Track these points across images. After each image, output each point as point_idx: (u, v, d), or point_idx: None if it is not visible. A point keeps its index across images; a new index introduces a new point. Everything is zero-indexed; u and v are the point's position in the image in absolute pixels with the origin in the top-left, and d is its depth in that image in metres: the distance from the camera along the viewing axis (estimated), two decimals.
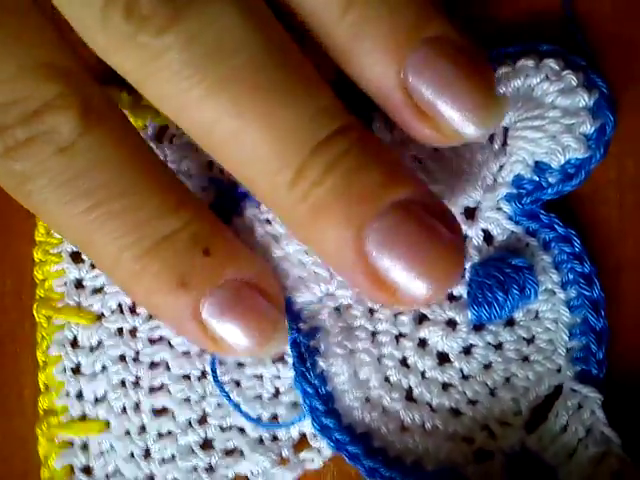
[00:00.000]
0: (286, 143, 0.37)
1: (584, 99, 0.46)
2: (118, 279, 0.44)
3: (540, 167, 0.48)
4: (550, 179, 0.48)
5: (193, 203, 0.44)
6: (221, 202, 0.49)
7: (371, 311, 0.50)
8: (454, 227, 0.40)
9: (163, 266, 0.41)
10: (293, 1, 0.40)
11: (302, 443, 0.50)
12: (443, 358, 0.49)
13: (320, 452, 0.50)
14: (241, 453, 0.50)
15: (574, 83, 0.47)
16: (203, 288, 0.41)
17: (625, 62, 0.51)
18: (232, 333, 0.42)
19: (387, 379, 0.49)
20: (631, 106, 0.51)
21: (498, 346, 0.49)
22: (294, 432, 0.50)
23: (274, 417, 0.50)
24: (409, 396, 0.49)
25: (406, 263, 0.38)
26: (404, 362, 0.50)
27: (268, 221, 0.49)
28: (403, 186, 0.38)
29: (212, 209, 0.48)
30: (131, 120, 0.51)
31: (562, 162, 0.47)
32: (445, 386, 0.49)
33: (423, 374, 0.49)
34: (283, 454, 0.50)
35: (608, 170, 0.51)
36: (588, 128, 0.46)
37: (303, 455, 0.50)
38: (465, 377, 0.49)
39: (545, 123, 0.47)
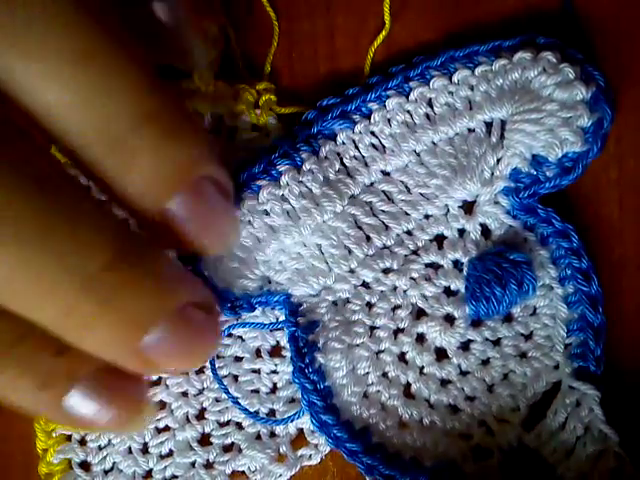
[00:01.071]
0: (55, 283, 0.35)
1: (582, 92, 0.46)
2: None
3: (537, 161, 0.48)
4: (548, 173, 0.48)
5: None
6: None
7: (369, 305, 0.50)
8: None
9: (21, 370, 0.39)
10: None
11: (300, 439, 0.50)
12: (441, 354, 0.49)
13: (318, 448, 0.50)
14: (239, 449, 0.50)
15: (571, 76, 0.46)
16: (62, 388, 0.40)
17: (626, 62, 0.51)
18: (97, 418, 0.40)
19: (385, 375, 0.49)
20: (632, 106, 0.51)
21: (496, 342, 0.49)
22: (292, 428, 0.50)
23: (272, 412, 0.50)
24: (407, 392, 0.49)
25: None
26: (402, 357, 0.49)
27: (266, 212, 0.49)
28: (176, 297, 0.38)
29: None
30: None
31: (559, 155, 0.47)
32: (443, 382, 0.49)
33: (421, 370, 0.49)
34: (281, 450, 0.50)
35: (609, 170, 0.51)
36: (585, 121, 0.46)
37: (301, 452, 0.50)
38: (463, 373, 0.49)
39: (542, 116, 0.46)
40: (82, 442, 0.51)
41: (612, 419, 0.47)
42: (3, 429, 0.53)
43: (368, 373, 0.49)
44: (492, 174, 0.49)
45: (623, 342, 0.50)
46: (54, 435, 0.51)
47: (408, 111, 0.50)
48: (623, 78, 0.51)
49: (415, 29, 0.53)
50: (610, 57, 0.51)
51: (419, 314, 0.50)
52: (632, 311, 0.50)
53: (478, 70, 0.49)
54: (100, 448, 0.51)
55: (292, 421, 0.49)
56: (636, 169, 0.51)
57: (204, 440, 0.50)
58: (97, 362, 0.39)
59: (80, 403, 0.40)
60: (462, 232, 0.50)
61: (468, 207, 0.50)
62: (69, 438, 0.51)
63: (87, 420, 0.40)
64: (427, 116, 0.50)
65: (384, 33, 0.52)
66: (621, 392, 0.49)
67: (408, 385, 0.49)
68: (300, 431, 0.50)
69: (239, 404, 0.49)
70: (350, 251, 0.49)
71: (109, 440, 0.50)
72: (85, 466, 0.51)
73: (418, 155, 0.50)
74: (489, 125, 0.49)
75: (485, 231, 0.50)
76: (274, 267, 0.49)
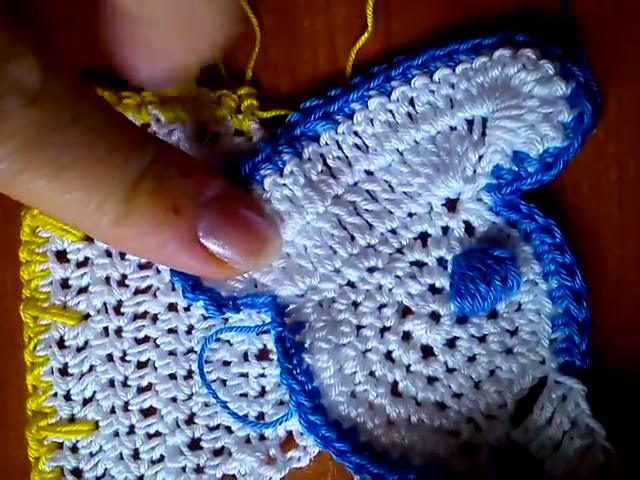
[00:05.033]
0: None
1: (561, 88, 0.46)
2: (104, 230, 0.41)
3: (519, 157, 0.48)
4: (529, 169, 0.48)
5: (154, 137, 0.45)
6: None
7: (355, 304, 0.50)
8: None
9: (151, 199, 0.41)
10: None
11: (289, 441, 0.50)
12: (428, 352, 0.49)
13: (307, 450, 0.50)
14: (229, 453, 0.50)
15: (551, 72, 0.46)
16: (194, 210, 0.42)
17: (624, 64, 0.51)
18: (230, 247, 0.43)
19: (372, 374, 0.49)
20: (631, 106, 0.51)
21: (482, 339, 0.49)
22: (281, 431, 0.50)
23: (261, 415, 0.50)
24: (394, 390, 0.49)
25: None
26: (389, 356, 0.50)
27: None
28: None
29: None
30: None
31: (540, 151, 0.47)
32: (430, 380, 0.49)
33: (408, 368, 0.49)
34: (270, 453, 0.50)
35: (609, 171, 0.51)
36: (566, 117, 0.46)
37: (290, 454, 0.50)
38: (450, 370, 0.49)
39: (523, 112, 0.46)
40: (74, 449, 0.51)
41: (600, 413, 0.47)
42: (2, 431, 0.53)
43: (355, 372, 0.49)
44: (474, 171, 0.49)
45: (621, 340, 0.50)
46: (46, 443, 0.51)
47: (390, 110, 0.50)
48: (622, 79, 0.51)
49: (402, 29, 0.52)
50: (609, 59, 0.51)
51: (405, 312, 0.50)
52: (631, 310, 0.50)
53: (459, 68, 0.49)
54: (92, 455, 0.51)
55: (281, 423, 0.49)
56: (635, 170, 0.51)
57: (194, 445, 0.50)
58: (218, 189, 0.44)
59: (213, 226, 0.43)
60: (446, 230, 0.50)
61: (451, 205, 0.50)
62: (61, 446, 0.51)
63: (221, 250, 0.43)
64: (409, 115, 0.50)
65: (366, 35, 0.52)
66: (614, 386, 0.49)
67: (395, 383, 0.49)
68: (289, 433, 0.50)
69: (228, 408, 0.49)
70: (335, 251, 0.49)
71: (100, 447, 0.51)
72: (77, 473, 0.51)
73: (401, 154, 0.50)
74: (470, 123, 0.49)
75: (469, 228, 0.50)
76: (261, 268, 0.49)
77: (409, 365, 0.49)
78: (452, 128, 0.50)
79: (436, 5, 0.52)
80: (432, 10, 0.52)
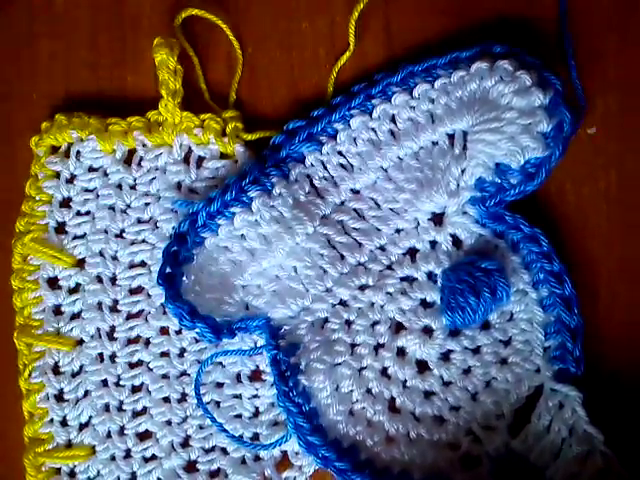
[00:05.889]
0: None
1: (539, 98, 0.47)
2: None
3: (501, 169, 0.48)
4: (512, 180, 0.48)
5: None
6: (192, 222, 0.50)
7: (348, 323, 0.50)
8: None
9: None
10: None
11: (284, 461, 0.50)
12: (423, 366, 0.49)
13: (302, 470, 0.50)
14: (225, 475, 0.50)
15: (528, 83, 0.47)
16: None
17: (610, 76, 0.52)
18: None
19: (369, 391, 0.49)
20: (618, 117, 0.52)
21: (476, 350, 0.49)
22: (276, 451, 0.50)
23: (255, 436, 0.50)
24: (392, 407, 0.49)
25: None
26: (385, 372, 0.50)
27: (243, 237, 0.49)
28: None
29: (181, 231, 0.49)
30: (100, 145, 0.53)
31: (522, 162, 0.47)
32: (427, 394, 0.49)
33: (404, 384, 0.49)
34: (266, 474, 0.50)
35: (598, 182, 0.51)
36: (545, 127, 0.47)
37: (286, 474, 0.50)
38: (446, 384, 0.49)
39: (502, 125, 0.47)
40: (72, 474, 0.51)
41: (598, 417, 0.47)
42: (4, 435, 0.53)
43: (352, 391, 0.49)
44: (458, 185, 0.49)
45: (614, 345, 0.50)
46: (43, 469, 0.51)
47: (372, 129, 0.51)
48: (607, 91, 0.52)
49: (382, 47, 0.54)
50: (596, 72, 0.52)
51: (398, 328, 0.50)
52: (623, 317, 0.50)
53: (437, 83, 0.50)
54: None
55: (280, 445, 0.49)
56: (619, 180, 0.51)
57: (190, 467, 0.50)
58: None
59: None
60: (434, 244, 0.50)
61: (437, 219, 0.50)
62: (58, 471, 0.51)
63: None
64: (391, 132, 0.51)
65: (348, 54, 0.53)
66: (608, 392, 0.49)
67: (392, 400, 0.49)
68: (284, 453, 0.50)
69: (226, 431, 0.49)
70: (325, 271, 0.50)
71: (98, 471, 0.51)
72: None
73: (385, 171, 0.51)
74: (452, 137, 0.50)
75: (456, 241, 0.50)
76: (252, 292, 0.50)
77: (405, 381, 0.49)
78: (434, 143, 0.50)
79: (414, 20, 0.53)
80: (411, 26, 0.53)
